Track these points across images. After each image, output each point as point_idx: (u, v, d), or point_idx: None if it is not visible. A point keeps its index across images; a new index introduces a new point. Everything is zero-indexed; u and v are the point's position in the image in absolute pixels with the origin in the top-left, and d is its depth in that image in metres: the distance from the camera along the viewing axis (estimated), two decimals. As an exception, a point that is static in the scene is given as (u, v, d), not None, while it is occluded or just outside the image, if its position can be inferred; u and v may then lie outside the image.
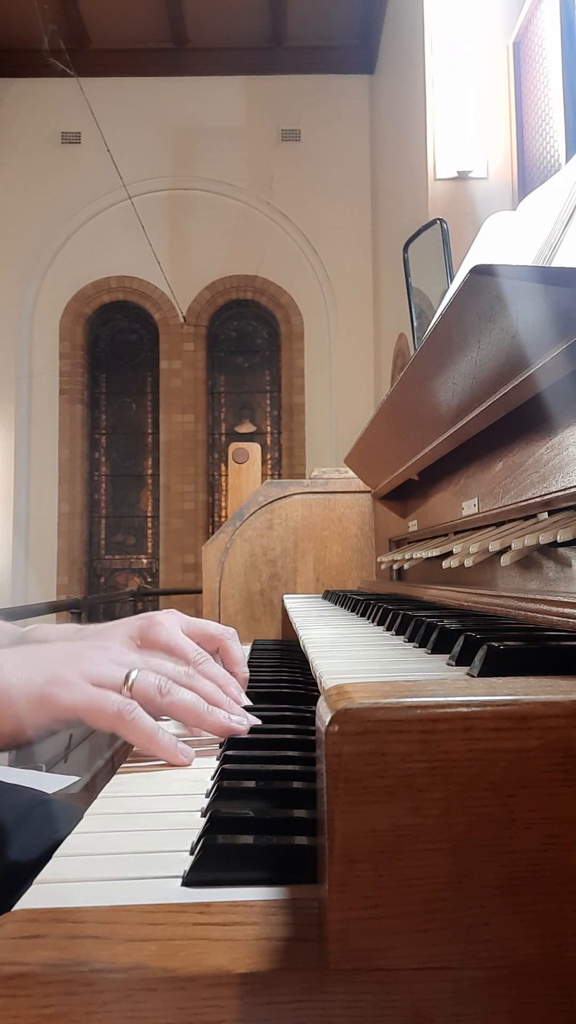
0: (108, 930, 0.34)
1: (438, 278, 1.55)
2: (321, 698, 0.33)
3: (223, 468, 7.04)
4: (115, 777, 0.56)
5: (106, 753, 3.26)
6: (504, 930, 0.30)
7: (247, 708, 0.66)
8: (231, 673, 0.74)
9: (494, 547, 0.82)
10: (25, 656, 0.60)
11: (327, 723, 0.30)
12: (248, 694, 0.73)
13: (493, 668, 0.48)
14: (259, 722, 0.64)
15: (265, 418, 7.33)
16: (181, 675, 0.63)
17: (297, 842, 0.40)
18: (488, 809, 0.30)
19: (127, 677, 0.60)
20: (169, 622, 0.73)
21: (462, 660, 0.56)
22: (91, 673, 0.58)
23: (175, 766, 0.58)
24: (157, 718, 0.60)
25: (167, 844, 0.43)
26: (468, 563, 0.91)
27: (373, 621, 0.98)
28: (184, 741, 0.60)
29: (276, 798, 0.47)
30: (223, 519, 6.88)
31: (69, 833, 0.45)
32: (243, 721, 0.62)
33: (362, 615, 1.09)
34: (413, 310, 1.66)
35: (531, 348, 0.72)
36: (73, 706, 0.56)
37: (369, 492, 1.83)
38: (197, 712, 0.61)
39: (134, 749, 0.61)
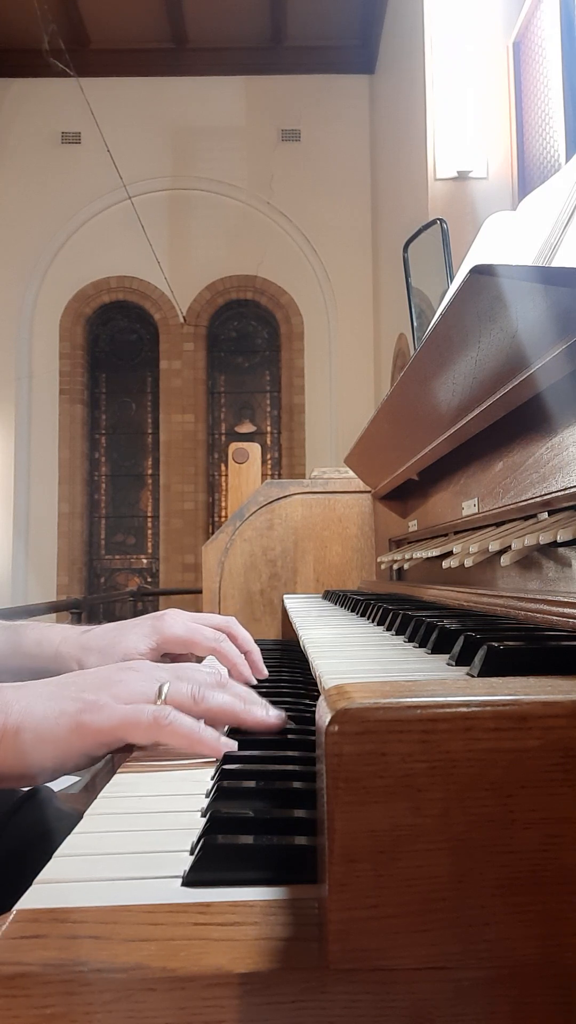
0: (108, 930, 0.34)
1: (438, 278, 1.55)
2: (321, 698, 0.33)
3: (223, 468, 7.04)
4: (115, 777, 0.56)
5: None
6: (504, 930, 0.30)
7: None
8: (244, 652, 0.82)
9: (494, 547, 0.82)
10: (58, 686, 0.60)
11: (327, 723, 0.30)
12: None
13: (493, 668, 0.47)
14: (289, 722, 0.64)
15: (265, 418, 7.33)
16: (213, 680, 0.64)
17: (297, 842, 0.40)
18: (488, 809, 0.30)
19: (160, 691, 0.60)
20: (178, 616, 0.77)
21: (462, 660, 0.56)
22: (123, 694, 0.59)
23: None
24: None
25: (167, 844, 0.43)
26: (468, 563, 0.91)
27: (373, 621, 0.98)
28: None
29: (276, 798, 0.47)
30: (223, 519, 6.88)
31: (69, 833, 0.45)
32: (281, 715, 0.62)
33: (362, 615, 1.09)
34: (413, 310, 1.66)
35: (531, 348, 0.72)
36: (109, 727, 0.56)
37: (369, 492, 1.83)
38: (235, 712, 0.60)
39: (134, 752, 0.61)
